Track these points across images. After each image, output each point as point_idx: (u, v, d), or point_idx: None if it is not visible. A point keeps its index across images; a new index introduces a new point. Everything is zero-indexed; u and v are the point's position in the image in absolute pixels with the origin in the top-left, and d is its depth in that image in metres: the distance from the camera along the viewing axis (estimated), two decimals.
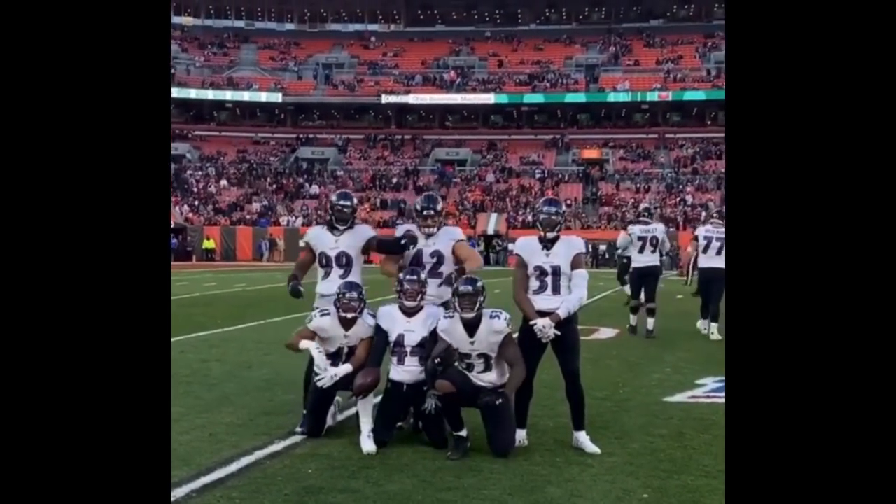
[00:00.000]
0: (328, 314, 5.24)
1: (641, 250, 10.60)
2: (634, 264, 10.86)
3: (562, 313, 4.89)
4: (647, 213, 11.32)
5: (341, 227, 5.54)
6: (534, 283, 5.05)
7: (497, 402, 4.81)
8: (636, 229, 10.79)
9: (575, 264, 5.02)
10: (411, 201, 41.92)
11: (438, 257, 5.37)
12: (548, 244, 5.05)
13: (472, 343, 4.90)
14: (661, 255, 10.98)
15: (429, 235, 5.41)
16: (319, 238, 5.61)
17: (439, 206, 5.50)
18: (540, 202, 5.33)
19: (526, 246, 5.12)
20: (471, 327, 4.88)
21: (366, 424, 4.96)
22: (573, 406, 5.07)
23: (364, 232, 5.67)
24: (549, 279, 5.01)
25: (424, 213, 5.42)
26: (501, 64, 52.68)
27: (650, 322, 10.61)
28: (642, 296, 10.72)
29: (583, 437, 5.02)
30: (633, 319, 11.01)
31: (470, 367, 4.97)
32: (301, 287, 5.59)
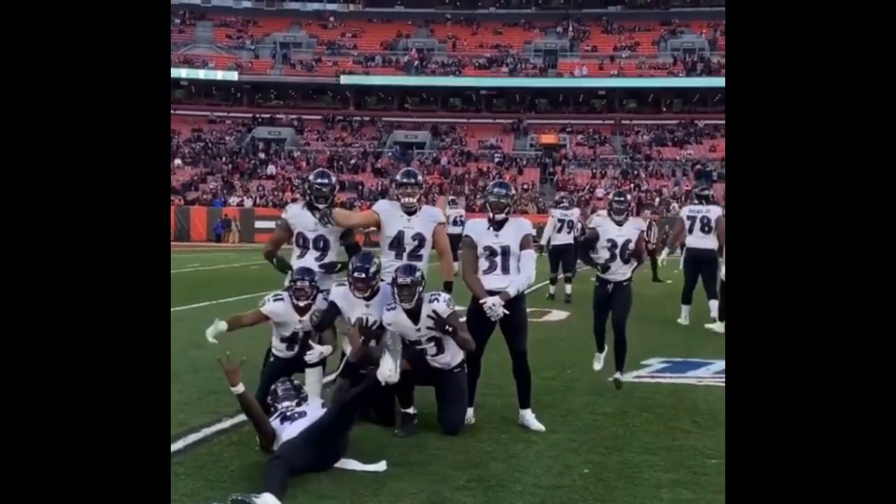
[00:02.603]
0: (281, 299, 5.21)
1: (559, 230, 12.73)
2: (553, 242, 12.86)
3: (511, 292, 4.97)
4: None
5: (321, 208, 5.44)
6: (483, 264, 5.13)
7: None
8: (557, 213, 13.03)
9: (523, 245, 5.11)
10: (369, 183, 42.02)
11: (420, 240, 5.30)
12: (497, 225, 5.13)
13: (418, 330, 4.94)
14: (576, 235, 13.14)
15: (409, 211, 5.31)
16: (300, 218, 5.49)
17: (419, 178, 5.44)
18: (490, 184, 5.40)
19: (476, 227, 5.21)
20: (413, 315, 4.91)
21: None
22: (520, 385, 5.18)
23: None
24: (498, 259, 5.09)
25: (404, 181, 5.35)
26: (457, 47, 52.57)
27: (568, 287, 12.74)
28: (560, 270, 12.88)
29: (528, 415, 5.13)
30: (552, 289, 13.03)
31: (423, 353, 5.02)
32: (284, 259, 5.54)
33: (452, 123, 50.26)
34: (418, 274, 4.93)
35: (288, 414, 4.41)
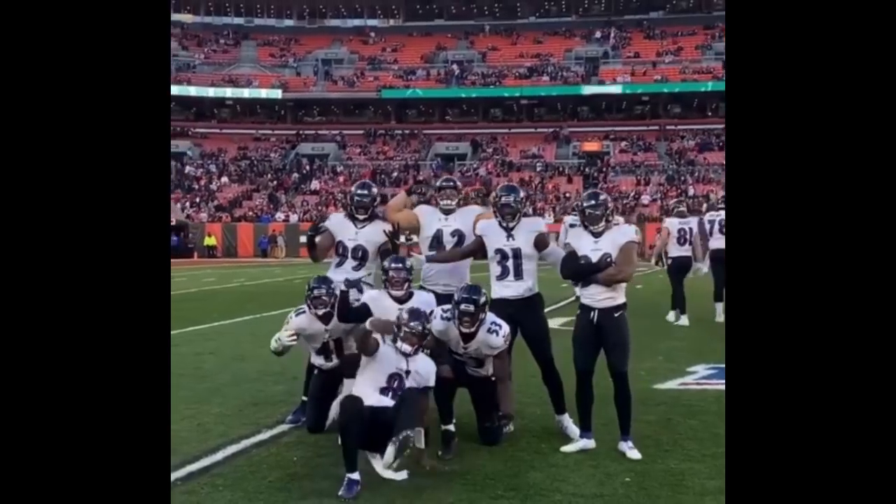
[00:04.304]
0: (303, 312, 5.17)
1: None
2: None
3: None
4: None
5: (361, 218, 5.48)
6: (495, 269, 5.02)
7: (500, 426, 4.85)
8: (569, 218, 13.55)
9: (539, 244, 4.98)
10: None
11: (459, 236, 5.29)
12: (509, 227, 4.99)
13: (465, 348, 4.83)
14: None
15: (447, 212, 5.35)
16: (341, 226, 5.52)
17: (458, 183, 5.52)
18: (498, 190, 5.18)
19: (489, 228, 5.07)
20: (467, 336, 4.77)
21: None
22: (552, 391, 5.14)
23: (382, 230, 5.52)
24: (510, 263, 4.97)
25: (443, 185, 5.45)
26: (497, 57, 52.54)
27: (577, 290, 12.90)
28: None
29: (566, 420, 5.06)
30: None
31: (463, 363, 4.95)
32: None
33: (494, 134, 50.25)
34: (483, 300, 4.70)
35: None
